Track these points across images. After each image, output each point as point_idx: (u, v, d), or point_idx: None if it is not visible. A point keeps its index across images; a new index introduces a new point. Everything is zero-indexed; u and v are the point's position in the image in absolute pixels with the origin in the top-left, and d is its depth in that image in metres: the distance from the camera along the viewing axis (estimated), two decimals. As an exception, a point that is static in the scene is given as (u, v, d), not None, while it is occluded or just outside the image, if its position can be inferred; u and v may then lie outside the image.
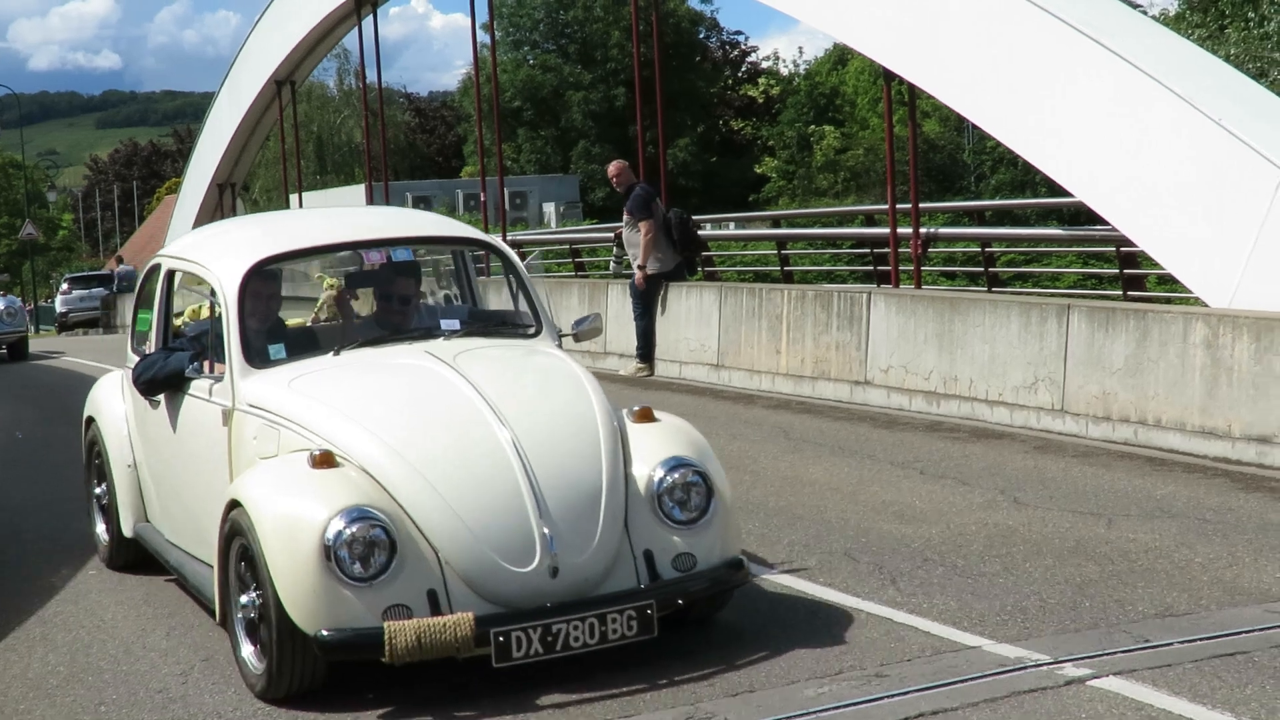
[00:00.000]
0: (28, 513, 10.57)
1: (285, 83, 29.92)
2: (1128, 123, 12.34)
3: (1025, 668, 5.90)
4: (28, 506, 10.83)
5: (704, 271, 24.15)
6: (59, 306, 49.13)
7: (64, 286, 51.24)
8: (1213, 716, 5.29)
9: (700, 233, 18.22)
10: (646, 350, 16.53)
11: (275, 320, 7.34)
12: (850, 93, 68.05)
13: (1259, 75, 23.25)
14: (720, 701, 5.69)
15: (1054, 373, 11.53)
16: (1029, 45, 13.24)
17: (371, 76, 27.31)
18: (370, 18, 26.22)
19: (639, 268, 16.21)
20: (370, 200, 29.79)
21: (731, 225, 32.37)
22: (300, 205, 31.89)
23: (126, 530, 8.14)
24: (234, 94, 31.96)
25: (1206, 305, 11.24)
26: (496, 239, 9.71)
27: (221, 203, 33.50)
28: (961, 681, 5.77)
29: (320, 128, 70.37)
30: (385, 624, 5.55)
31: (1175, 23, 27.36)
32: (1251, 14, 27.16)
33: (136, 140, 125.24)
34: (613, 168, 16.96)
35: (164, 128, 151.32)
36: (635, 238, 16.32)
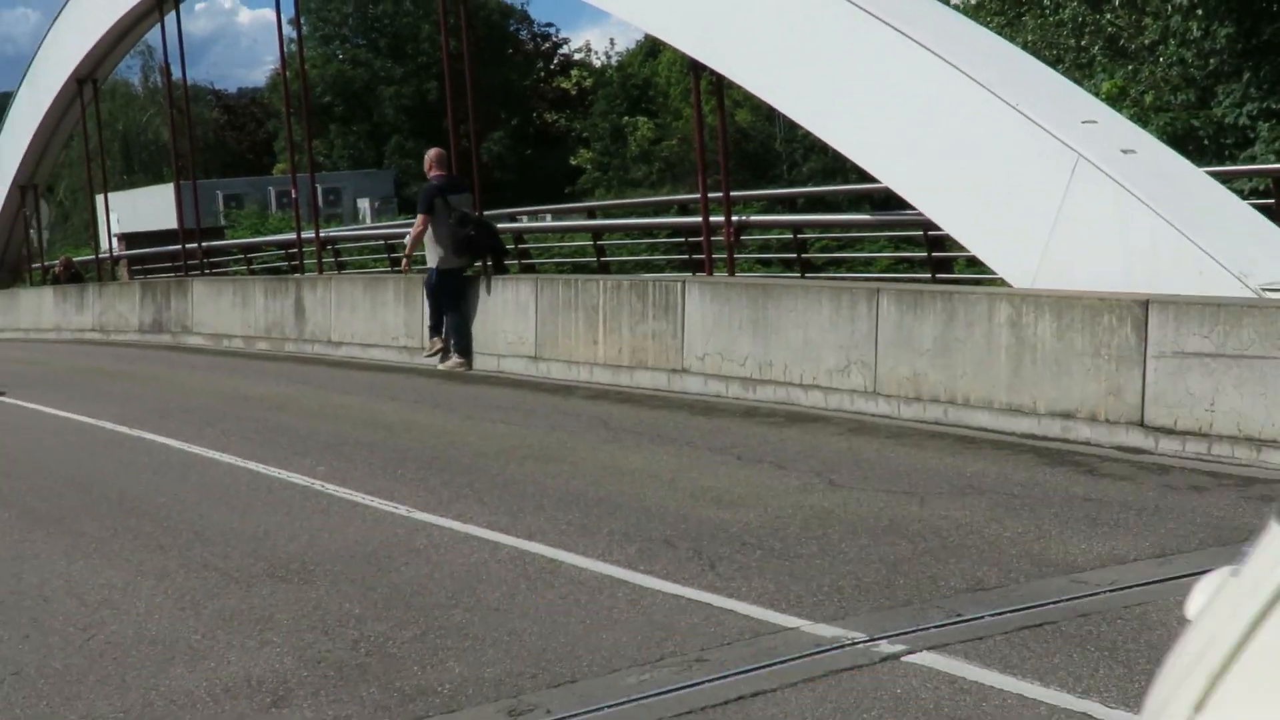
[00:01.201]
0: None
1: (87, 81, 29.17)
2: (927, 108, 12.57)
3: (842, 646, 5.99)
4: None
5: (520, 264, 24.17)
6: None
7: None
8: (1023, 687, 5.43)
9: (516, 225, 18.32)
10: (461, 344, 16.52)
11: None
12: (663, 83, 68.33)
13: (1054, 62, 23.84)
14: (543, 693, 5.70)
15: (866, 355, 11.73)
16: (831, 33, 13.42)
17: (176, 73, 26.77)
18: (173, 14, 25.69)
19: (406, 258, 17.01)
20: (179, 199, 29.19)
21: (548, 217, 32.43)
22: (106, 206, 31.18)
23: None
24: (33, 93, 31.09)
25: (1010, 286, 11.52)
26: None
27: (24, 205, 32.59)
28: (780, 663, 5.84)
29: (126, 126, 68.90)
30: None
31: (974, 11, 27.93)
32: (1047, 2, 27.83)
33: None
34: (427, 157, 16.97)
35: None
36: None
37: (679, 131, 58.23)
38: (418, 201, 17.01)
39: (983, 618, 6.26)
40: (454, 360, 16.55)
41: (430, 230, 16.40)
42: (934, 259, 17.29)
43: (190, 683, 6.09)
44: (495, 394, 14.43)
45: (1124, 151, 11.29)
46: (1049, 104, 11.89)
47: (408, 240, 16.94)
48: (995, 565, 7.09)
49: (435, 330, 16.70)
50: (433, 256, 16.47)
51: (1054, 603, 6.41)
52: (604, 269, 23.41)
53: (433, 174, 16.68)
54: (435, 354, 16.64)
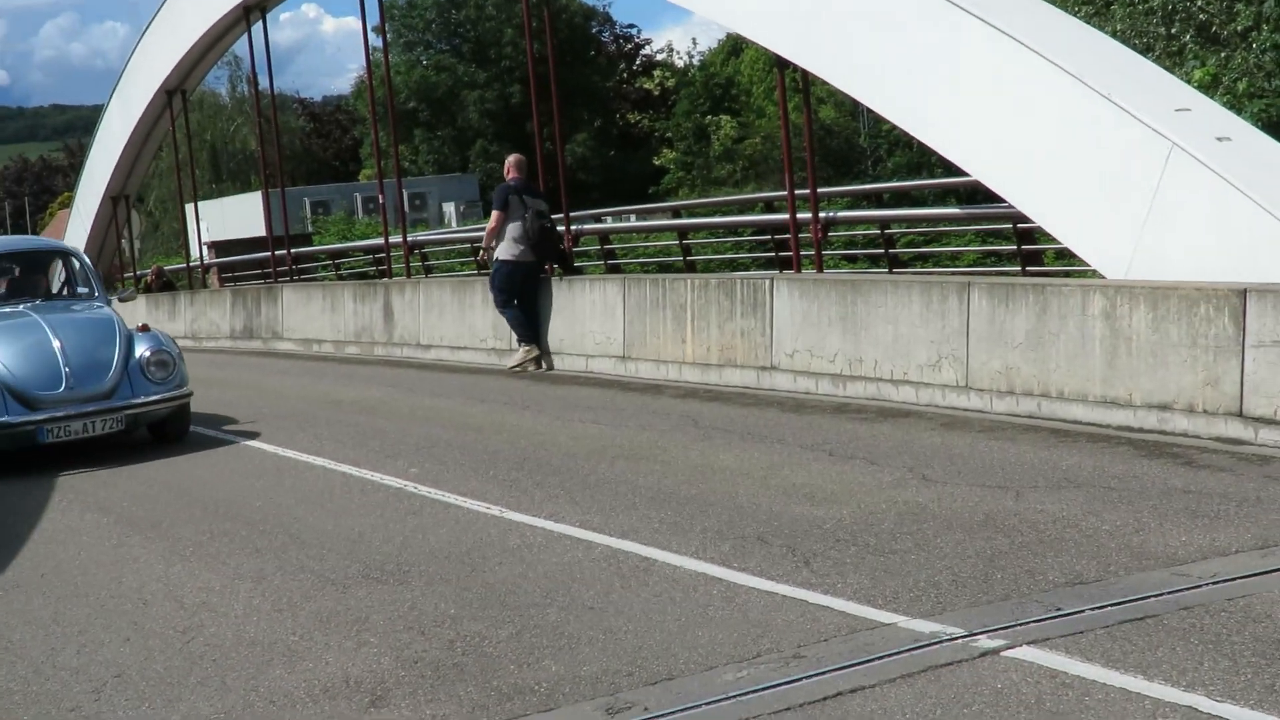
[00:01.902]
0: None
1: (176, 92, 29.54)
2: (1018, 100, 12.46)
3: (940, 642, 5.94)
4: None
5: (606, 264, 24.21)
6: None
7: None
8: (1125, 681, 5.35)
9: (601, 226, 18.38)
10: (526, 333, 16.73)
11: None
12: (745, 82, 68.26)
13: (1145, 50, 23.56)
14: (640, 691, 5.69)
15: (957, 350, 11.63)
16: (917, 26, 13.33)
17: (263, 83, 27.06)
18: (259, 24, 25.97)
19: (485, 251, 17.41)
20: (267, 207, 29.48)
21: (633, 218, 32.44)
22: (196, 215, 31.55)
23: None
24: (124, 105, 31.52)
25: (1103, 277, 11.38)
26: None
27: (116, 215, 33.05)
28: (878, 659, 5.80)
29: (214, 136, 69.71)
30: None
31: (1062, 0, 27.66)
32: (1135, -11, 27.54)
33: (26, 156, 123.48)
34: (507, 161, 17.12)
35: (54, 142, 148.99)
36: None
37: (762, 130, 58.15)
38: (493, 200, 17.39)
39: (1083, 611, 6.18)
40: (523, 351, 16.69)
41: (505, 227, 16.53)
42: (1024, 252, 17.12)
43: (289, 684, 6.14)
44: (584, 394, 14.44)
45: (1219, 139, 11.12)
46: (1141, 92, 11.74)
47: (484, 235, 17.28)
48: (1094, 559, 7.00)
49: (523, 339, 16.84)
50: (501, 250, 16.60)
51: (1155, 596, 6.32)
52: (690, 268, 23.40)
53: (511, 177, 16.82)
54: (529, 362, 16.72)
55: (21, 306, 13.64)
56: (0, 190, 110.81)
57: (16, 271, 14.77)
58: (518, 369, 16.74)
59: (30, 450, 12.39)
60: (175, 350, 13.21)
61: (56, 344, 12.55)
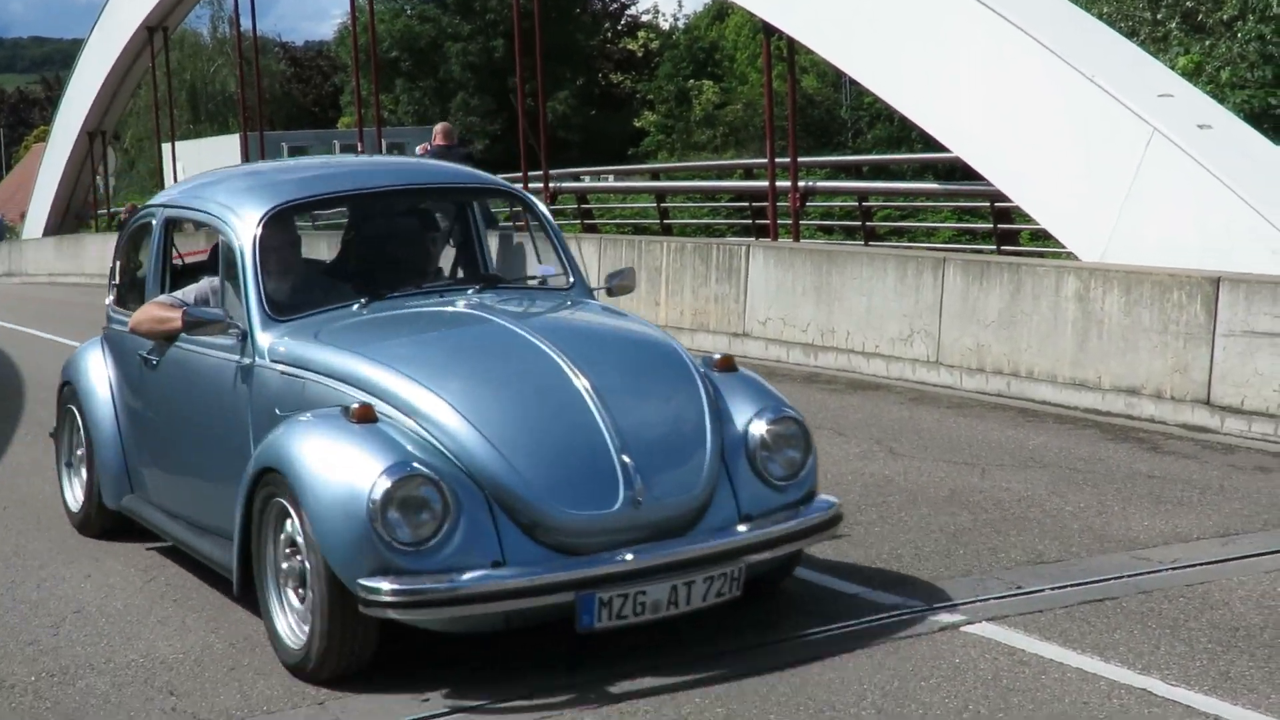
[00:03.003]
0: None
1: (157, 29, 29.34)
2: (1001, 77, 12.48)
3: (900, 614, 5.97)
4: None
5: (583, 224, 24.17)
6: None
7: None
8: (1083, 661, 5.39)
9: (579, 185, 18.29)
10: None
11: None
12: (730, 47, 68.06)
13: (1130, 34, 23.58)
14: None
15: (929, 325, 11.66)
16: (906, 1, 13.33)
17: (245, 24, 26.89)
18: (244, -36, 25.83)
19: None
20: (245, 150, 29.36)
21: (611, 178, 32.35)
22: (173, 155, 31.36)
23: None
24: (105, 40, 31.31)
25: (1078, 260, 11.42)
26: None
27: (92, 151, 32.85)
28: (838, 628, 5.83)
29: (194, 76, 69.19)
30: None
31: (1050, -19, 27.65)
32: (1124, -27, 27.56)
33: (3, 87, 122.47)
34: (435, 129, 16.86)
35: (32, 75, 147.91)
36: None
37: (744, 96, 58.01)
38: None
39: (1043, 591, 6.22)
40: None
41: None
42: (1000, 231, 17.15)
43: (251, 628, 6.12)
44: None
45: (1200, 126, 11.16)
46: (1125, 76, 11.77)
47: None
48: (1056, 539, 7.04)
49: None
50: None
51: (1115, 578, 6.36)
52: (666, 231, 23.37)
53: (437, 142, 16.50)
54: None
55: (462, 304, 6.55)
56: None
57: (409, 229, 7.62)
58: None
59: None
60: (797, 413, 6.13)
61: (588, 393, 5.67)
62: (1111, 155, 11.39)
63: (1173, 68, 19.59)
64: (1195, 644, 5.54)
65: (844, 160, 28.06)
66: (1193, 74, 22.67)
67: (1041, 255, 15.13)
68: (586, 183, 29.02)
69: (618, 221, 25.82)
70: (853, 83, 36.27)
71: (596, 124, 68.47)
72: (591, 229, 24.08)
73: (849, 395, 11.32)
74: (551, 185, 21.38)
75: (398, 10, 68.57)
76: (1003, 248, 16.80)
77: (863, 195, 20.17)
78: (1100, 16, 22.50)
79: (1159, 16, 26.45)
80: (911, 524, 7.39)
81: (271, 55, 72.42)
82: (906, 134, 41.61)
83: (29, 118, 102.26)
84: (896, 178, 28.67)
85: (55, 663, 5.87)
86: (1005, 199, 13.90)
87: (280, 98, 72.71)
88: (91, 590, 6.83)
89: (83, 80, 32.86)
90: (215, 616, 6.30)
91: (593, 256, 15.68)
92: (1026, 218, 13.94)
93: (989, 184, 13.28)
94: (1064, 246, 12.19)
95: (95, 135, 32.63)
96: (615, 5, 78.47)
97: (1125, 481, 8.20)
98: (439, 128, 16.87)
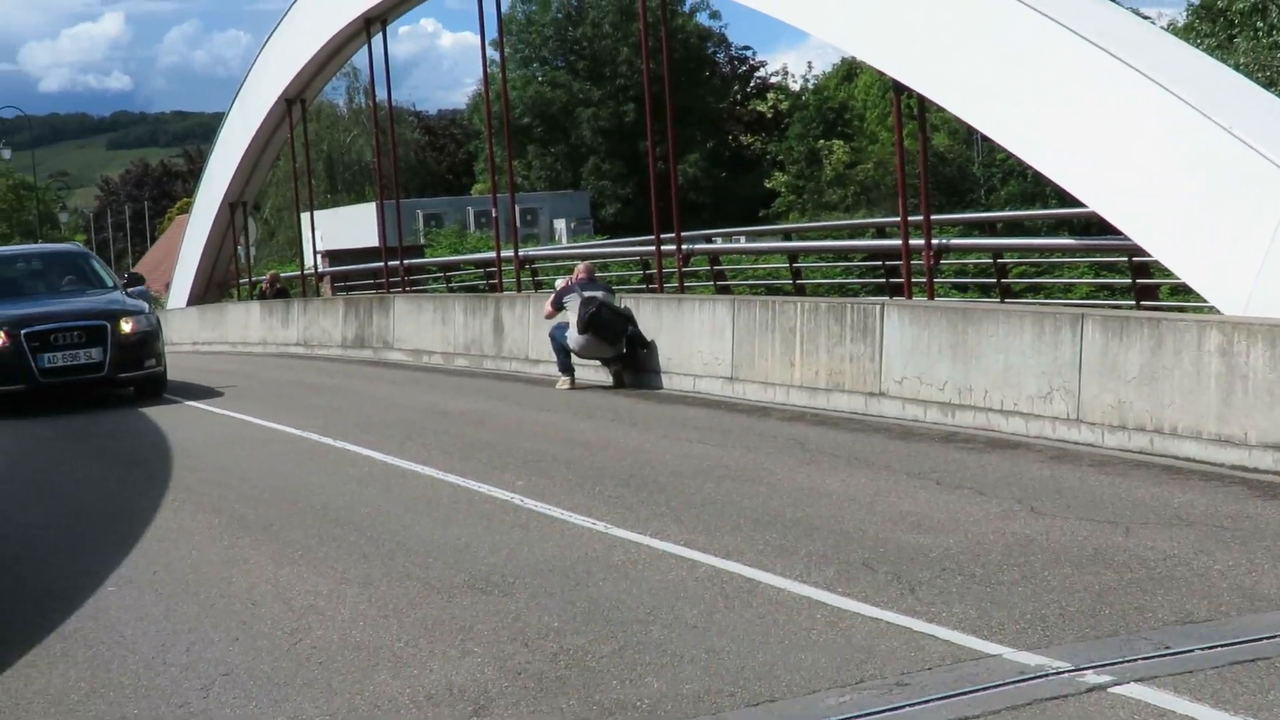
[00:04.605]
0: (41, 529, 10.58)
1: (295, 101, 29.96)
2: (1137, 130, 12.34)
3: (1046, 675, 5.89)
4: (39, 523, 10.84)
5: (716, 285, 24.23)
6: None
7: None
8: (1235, 722, 5.28)
9: (711, 247, 18.46)
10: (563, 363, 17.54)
11: None
12: (859, 106, 68.13)
13: (1269, 84, 23.23)
14: (741, 711, 5.69)
15: (1069, 382, 11.52)
16: (1039, 56, 13.24)
17: (381, 95, 27.39)
18: (379, 36, 26.31)
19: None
20: (381, 218, 29.83)
21: (743, 239, 32.42)
22: (312, 223, 31.95)
23: None
24: (244, 113, 32.01)
25: (1220, 314, 11.23)
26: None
27: (233, 221, 33.53)
28: (983, 689, 5.76)
29: (330, 146, 70.58)
30: None
31: (1184, 32, 27.37)
32: (1260, 23, 27.15)
33: (147, 160, 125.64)
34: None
35: (174, 148, 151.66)
36: None
37: (874, 155, 57.93)
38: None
39: (1192, 651, 6.10)
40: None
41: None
42: (1139, 286, 16.92)
43: (394, 689, 6.20)
44: (691, 414, 14.46)
45: (1343, 176, 10.95)
46: (1264, 126, 11.58)
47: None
48: (1205, 598, 6.91)
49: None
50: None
51: (1268, 638, 6.22)
52: (799, 291, 23.35)
53: (579, 277, 17.61)
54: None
55: None
56: (121, 194, 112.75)
57: None
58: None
59: None
60: None
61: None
62: (1252, 207, 11.22)
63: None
64: (1353, 705, 5.40)
65: (977, 217, 27.87)
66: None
67: (1182, 309, 14.90)
68: (719, 244, 29.11)
69: (750, 283, 25.83)
70: (985, 139, 36.09)
71: (727, 185, 68.82)
72: (725, 290, 24.13)
73: (988, 454, 11.21)
74: (685, 247, 21.46)
75: (529, 77, 69.45)
76: (1142, 303, 16.57)
77: (997, 252, 20.01)
78: (1236, 67, 22.22)
79: (1298, 65, 26.04)
80: (1055, 583, 7.29)
81: (406, 124, 73.72)
82: (1040, 190, 41.29)
83: (172, 190, 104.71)
84: (1031, 234, 28.40)
85: (206, 724, 5.98)
86: (1143, 253, 13.72)
87: (415, 166, 73.91)
88: (239, 653, 6.94)
89: (224, 152, 33.60)
90: (360, 680, 6.38)
91: (726, 318, 15.72)
92: (1166, 272, 13.74)
93: (1126, 238, 13.12)
94: (1205, 301, 11.99)
95: (236, 206, 33.31)
96: (744, 68, 78.92)
97: (1275, 539, 8.03)
98: (581, 266, 18.06)
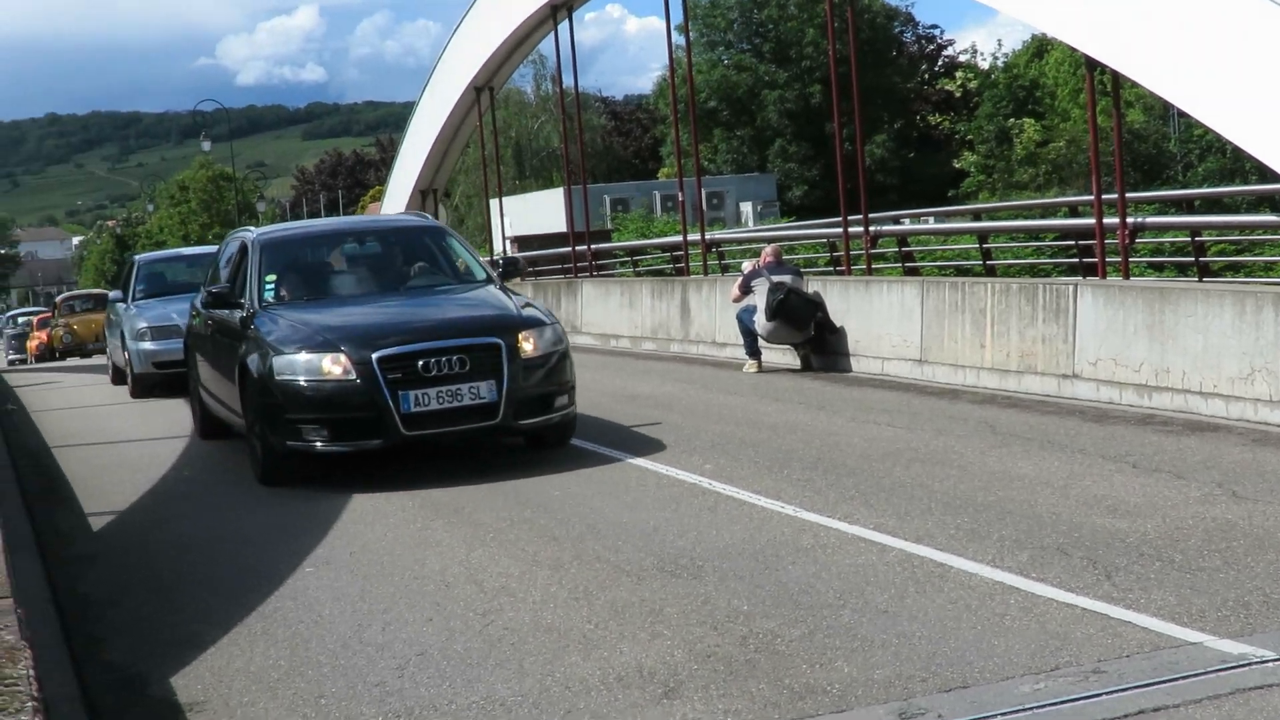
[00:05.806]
0: (248, 509, 10.83)
1: (484, 89, 30.32)
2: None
3: (1250, 664, 5.73)
4: (247, 502, 11.08)
5: (904, 267, 23.99)
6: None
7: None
8: None
9: (899, 228, 18.28)
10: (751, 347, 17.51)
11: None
12: (1050, 84, 66.84)
13: None
14: (934, 697, 5.63)
15: (1271, 363, 11.19)
16: (1237, 26, 12.86)
17: (568, 81, 27.55)
18: (566, 23, 26.47)
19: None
20: (569, 203, 30.07)
21: (931, 220, 32.07)
22: (501, 210, 32.31)
23: None
24: (434, 102, 32.48)
25: None
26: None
27: (424, 208, 34.04)
28: (1183, 678, 5.63)
29: (518, 133, 71.27)
30: None
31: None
32: None
33: (341, 150, 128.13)
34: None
35: (367, 137, 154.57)
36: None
37: (1066, 133, 56.82)
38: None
39: (1405, 640, 5.89)
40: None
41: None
42: (1345, 263, 16.39)
43: (584, 670, 6.25)
44: (879, 397, 14.34)
45: None
46: None
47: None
48: None
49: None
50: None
51: None
52: (990, 272, 23.02)
53: (766, 260, 17.64)
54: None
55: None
56: (316, 183, 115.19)
57: None
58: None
59: None
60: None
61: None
62: None
63: None
64: None
65: (1174, 194, 27.16)
66: None
67: (1391, 287, 14.37)
68: (907, 225, 28.82)
69: (939, 264, 25.52)
70: (1181, 115, 35.21)
71: (915, 166, 68.08)
72: (913, 271, 23.89)
73: (1186, 437, 10.94)
74: (872, 229, 21.28)
75: (715, 61, 69.36)
76: (1348, 280, 16.05)
77: (1195, 230, 19.51)
78: None
79: None
80: (1259, 570, 7.09)
81: (593, 110, 74.10)
82: (1240, 165, 40.16)
83: (364, 178, 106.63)
84: (1231, 211, 27.66)
85: (401, 704, 6.08)
86: (1350, 229, 13.28)
87: (601, 151, 74.30)
88: (433, 633, 7.05)
89: (415, 141, 34.14)
90: (551, 661, 6.44)
91: (915, 300, 15.55)
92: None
93: (1332, 214, 12.71)
94: None
95: (428, 193, 33.83)
96: (932, 47, 77.99)
97: None
98: (769, 249, 18.07)
